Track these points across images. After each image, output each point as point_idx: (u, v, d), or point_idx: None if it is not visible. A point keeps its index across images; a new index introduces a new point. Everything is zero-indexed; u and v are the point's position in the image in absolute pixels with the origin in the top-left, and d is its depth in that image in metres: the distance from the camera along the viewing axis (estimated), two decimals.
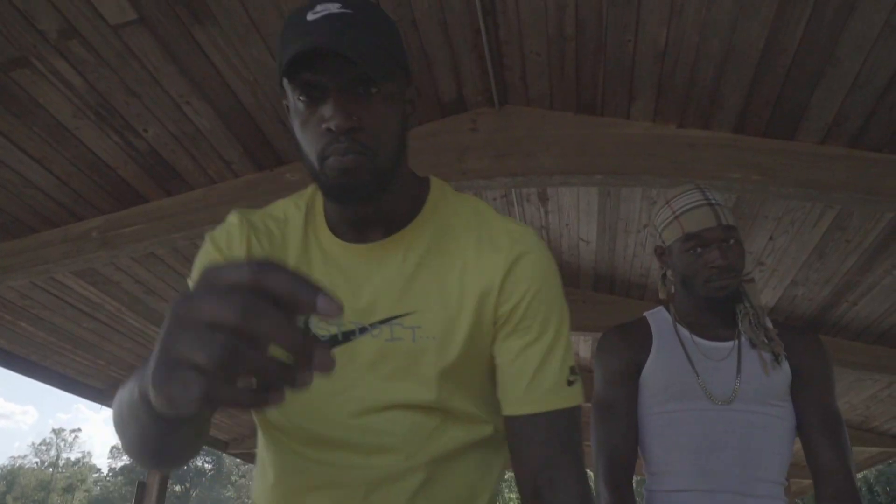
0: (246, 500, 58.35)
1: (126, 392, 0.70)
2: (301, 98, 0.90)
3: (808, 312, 4.65)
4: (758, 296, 1.69)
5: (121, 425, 0.75)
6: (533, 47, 2.97)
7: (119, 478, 65.51)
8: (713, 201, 1.66)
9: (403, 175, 0.99)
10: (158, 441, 0.71)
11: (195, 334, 0.46)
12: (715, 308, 1.68)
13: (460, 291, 0.97)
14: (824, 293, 4.38)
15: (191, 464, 63.87)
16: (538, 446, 0.93)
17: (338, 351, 0.95)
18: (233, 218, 1.08)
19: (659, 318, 1.75)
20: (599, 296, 5.18)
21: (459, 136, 3.37)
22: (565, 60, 3.00)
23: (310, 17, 0.87)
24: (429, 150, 3.36)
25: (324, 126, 0.87)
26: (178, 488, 61.25)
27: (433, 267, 0.98)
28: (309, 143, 0.91)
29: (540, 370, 0.95)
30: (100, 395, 5.81)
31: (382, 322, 0.97)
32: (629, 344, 1.70)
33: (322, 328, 0.96)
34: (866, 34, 2.51)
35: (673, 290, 1.76)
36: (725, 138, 3.11)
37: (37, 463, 75.95)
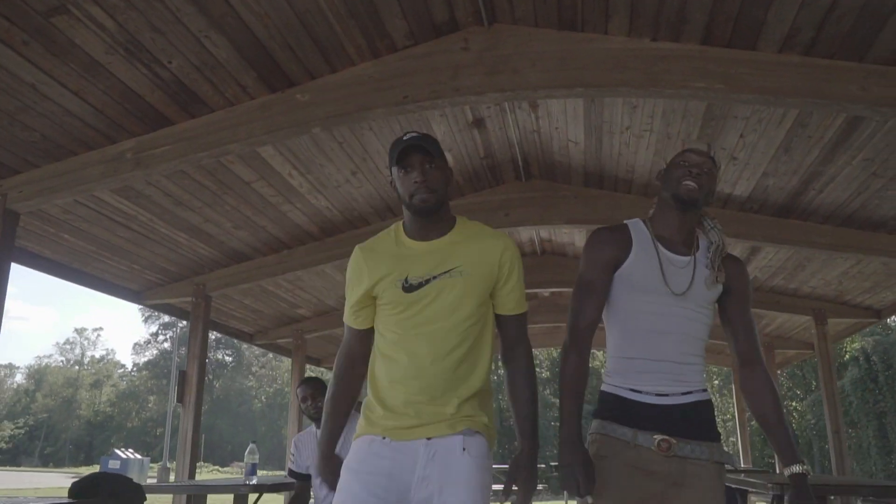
0: (267, 389, 60.84)
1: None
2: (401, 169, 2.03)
3: (779, 200, 5.08)
4: (723, 235, 2.26)
5: None
6: None
7: (143, 372, 68.21)
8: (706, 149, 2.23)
9: (447, 209, 2.11)
10: None
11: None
12: (682, 229, 2.22)
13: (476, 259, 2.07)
14: (793, 183, 4.79)
15: (212, 356, 65.98)
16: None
17: (427, 287, 2.01)
18: (355, 252, 2.14)
19: (638, 229, 2.26)
20: (590, 191, 5.60)
21: (452, 56, 3.70)
22: None
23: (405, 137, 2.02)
24: (424, 69, 3.70)
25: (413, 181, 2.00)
26: None
27: (461, 248, 2.07)
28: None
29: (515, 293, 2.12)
30: (135, 295, 6.36)
31: (445, 272, 2.03)
32: (615, 242, 2.21)
33: (415, 278, 2.01)
34: None
35: (652, 213, 2.29)
36: (694, 50, 3.44)
37: (62, 361, 78.83)
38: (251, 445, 3.95)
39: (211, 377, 65.08)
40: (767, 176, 4.76)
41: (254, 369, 64.69)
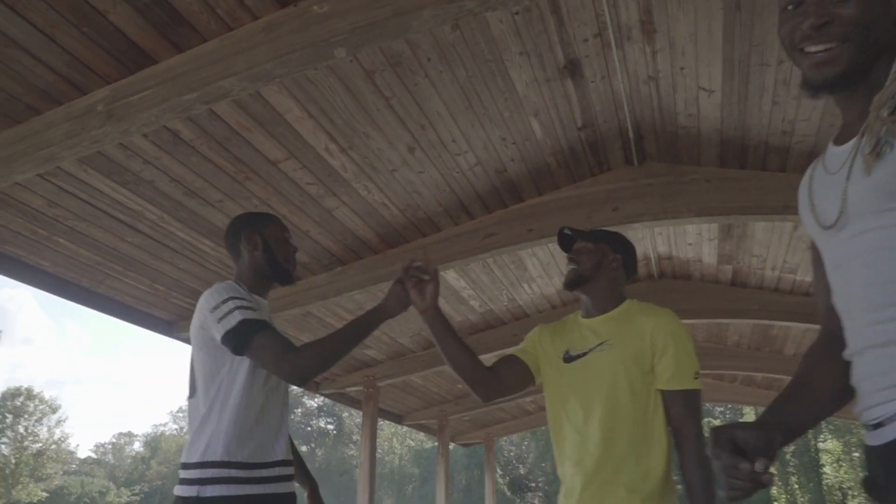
0: None
1: None
2: None
3: None
4: None
5: None
6: None
7: None
8: None
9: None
10: None
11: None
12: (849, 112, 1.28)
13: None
14: None
15: (314, 425, 65.86)
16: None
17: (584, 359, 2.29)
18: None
19: None
20: (728, 171, 4.21)
21: None
22: None
23: None
24: None
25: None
26: (304, 448, 63.50)
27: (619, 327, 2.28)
28: None
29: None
30: (167, 326, 5.31)
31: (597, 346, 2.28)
32: None
33: (575, 351, 2.31)
34: None
35: None
36: None
37: (176, 430, 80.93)
38: None
39: (313, 445, 64.75)
40: None
41: (354, 437, 63.74)
